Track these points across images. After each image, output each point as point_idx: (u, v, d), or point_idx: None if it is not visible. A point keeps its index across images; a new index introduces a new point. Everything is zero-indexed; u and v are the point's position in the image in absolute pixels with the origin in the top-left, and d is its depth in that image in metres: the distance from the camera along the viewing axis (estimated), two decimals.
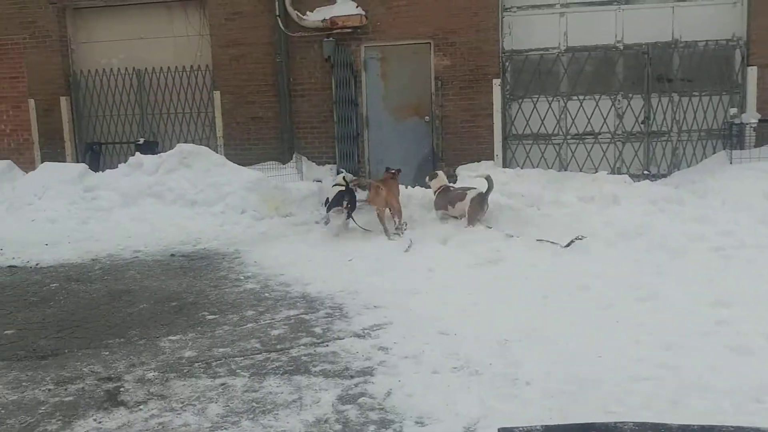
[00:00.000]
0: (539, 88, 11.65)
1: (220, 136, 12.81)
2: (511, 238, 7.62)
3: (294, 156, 12.39)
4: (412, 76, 12.03)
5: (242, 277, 7.06)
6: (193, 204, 9.94)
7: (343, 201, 8.41)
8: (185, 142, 12.60)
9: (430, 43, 11.83)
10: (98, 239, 8.94)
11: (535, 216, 8.43)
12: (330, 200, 8.63)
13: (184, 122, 13.18)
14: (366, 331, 5.28)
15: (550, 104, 11.62)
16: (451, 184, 9.23)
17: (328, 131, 12.38)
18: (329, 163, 12.42)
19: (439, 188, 8.92)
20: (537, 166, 11.55)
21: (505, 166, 11.80)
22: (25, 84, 13.28)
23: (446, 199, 8.71)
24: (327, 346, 5.01)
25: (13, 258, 8.23)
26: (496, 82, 11.63)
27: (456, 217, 8.53)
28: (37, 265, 7.89)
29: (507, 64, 11.73)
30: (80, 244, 8.72)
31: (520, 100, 11.72)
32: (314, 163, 12.44)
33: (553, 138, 11.70)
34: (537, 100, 11.60)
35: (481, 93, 11.71)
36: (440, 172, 9.31)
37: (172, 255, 8.12)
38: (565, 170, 11.44)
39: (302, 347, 4.99)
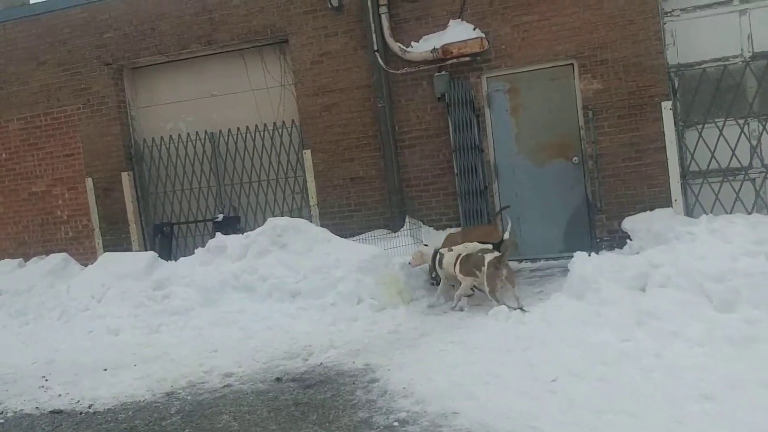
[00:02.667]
0: (723, 110, 8.87)
1: (313, 204, 10.45)
2: None
3: (407, 221, 9.88)
4: (551, 108, 9.46)
5: (396, 423, 4.44)
6: (294, 296, 7.48)
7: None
8: (273, 214, 10.36)
9: (572, 63, 9.27)
10: (173, 357, 6.52)
11: None
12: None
13: (269, 191, 10.89)
14: None
15: (742, 129, 8.80)
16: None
17: (447, 187, 9.86)
18: (451, 226, 9.85)
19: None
20: (731, 211, 8.69)
21: (687, 213, 8.99)
22: (81, 161, 11.29)
23: (471, 263, 7.05)
24: None
25: (60, 395, 5.86)
26: (666, 105, 8.92)
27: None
28: (90, 407, 5.49)
29: (676, 81, 9.03)
30: (150, 366, 6.31)
31: (700, 127, 8.94)
32: (432, 228, 9.90)
33: (749, 172, 8.84)
34: (723, 125, 8.80)
35: (647, 121, 9.01)
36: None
37: (278, 380, 5.61)
38: None
39: None
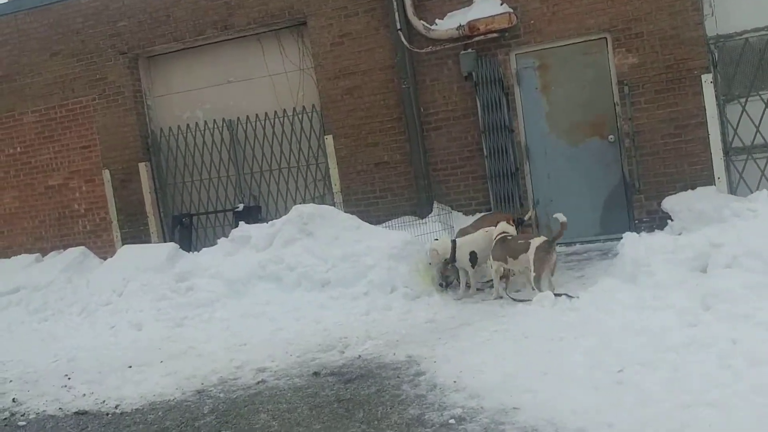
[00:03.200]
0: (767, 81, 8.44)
1: (337, 191, 10.08)
2: None
3: (434, 206, 9.51)
4: (584, 85, 9.04)
5: (452, 420, 4.09)
6: (323, 285, 7.14)
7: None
8: (294, 202, 9.98)
9: (606, 37, 8.85)
10: (200, 352, 6.19)
11: None
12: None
13: (290, 178, 10.54)
14: None
15: None
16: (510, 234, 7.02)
17: (476, 170, 9.47)
18: (481, 211, 9.46)
19: (498, 235, 6.94)
20: None
21: (731, 191, 8.57)
22: (98, 153, 10.97)
23: (506, 249, 6.75)
24: None
25: (84, 395, 5.55)
26: (706, 78, 8.48)
27: (512, 274, 6.96)
28: (116, 408, 5.17)
29: (716, 53, 8.58)
30: (177, 362, 5.98)
31: (743, 100, 8.50)
32: (461, 213, 9.51)
33: None
34: None
35: (686, 96, 8.57)
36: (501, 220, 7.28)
37: (316, 374, 5.26)
38: None
39: None
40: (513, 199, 9.18)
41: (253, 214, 10.33)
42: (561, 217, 6.61)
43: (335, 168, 10.08)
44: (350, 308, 6.78)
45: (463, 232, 7.55)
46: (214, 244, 8.72)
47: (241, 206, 10.48)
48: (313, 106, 10.22)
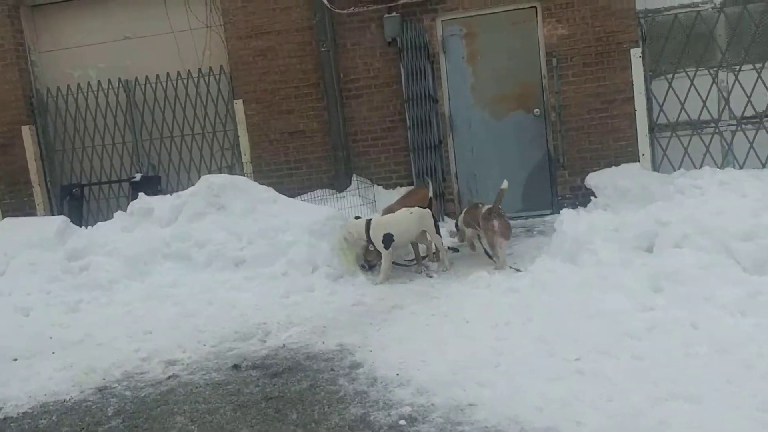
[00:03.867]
0: (694, 58, 8.34)
1: (246, 161, 9.35)
2: None
3: (354, 179, 8.96)
4: (512, 56, 8.68)
5: (402, 422, 3.59)
6: (237, 265, 6.48)
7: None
8: (198, 173, 9.22)
9: (535, 6, 8.52)
10: (100, 340, 5.40)
11: None
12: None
13: (194, 147, 9.69)
14: None
15: (714, 79, 8.30)
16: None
17: (398, 141, 8.98)
18: (402, 184, 9.01)
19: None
20: (700, 166, 8.22)
21: (654, 168, 8.47)
22: None
23: (473, 216, 6.68)
24: None
25: None
26: (635, 52, 8.31)
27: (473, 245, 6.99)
28: None
29: (645, 28, 8.41)
30: (72, 353, 5.18)
31: (670, 76, 8.38)
32: (381, 187, 9.02)
33: (720, 124, 8.37)
34: (694, 75, 8.27)
35: (615, 70, 8.38)
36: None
37: (236, 367, 4.64)
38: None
39: None
40: (436, 173, 8.76)
41: (152, 185, 9.45)
42: (504, 183, 6.58)
43: (245, 136, 9.34)
44: (268, 290, 6.16)
45: (388, 210, 7.03)
46: (108, 218, 7.87)
47: (138, 176, 9.57)
48: (222, 67, 9.40)
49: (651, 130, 8.46)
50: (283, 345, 4.97)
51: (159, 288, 6.22)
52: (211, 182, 6.92)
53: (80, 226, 8.48)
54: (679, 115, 8.38)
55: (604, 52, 8.37)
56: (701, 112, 8.31)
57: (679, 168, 8.25)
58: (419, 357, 4.40)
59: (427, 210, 6.59)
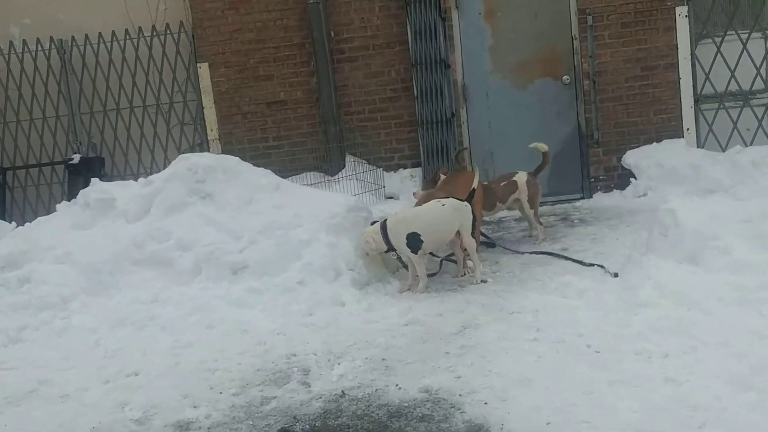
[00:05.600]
0: (748, 19, 7.23)
1: (214, 138, 7.74)
2: None
3: (348, 160, 7.49)
4: (538, 13, 7.40)
5: None
6: (237, 272, 4.92)
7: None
8: (152, 153, 7.63)
9: None
10: (64, 390, 3.71)
11: None
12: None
13: (146, 121, 7.98)
14: None
15: None
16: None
17: (402, 114, 7.59)
18: (406, 166, 7.60)
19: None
20: (752, 143, 7.16)
21: (699, 145, 7.36)
22: None
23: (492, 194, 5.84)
24: None
25: None
26: (681, 11, 7.15)
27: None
28: None
29: None
30: (21, 412, 3.55)
31: (719, 39, 7.24)
32: (381, 169, 7.58)
33: None
34: (748, 38, 7.16)
35: (657, 31, 7.21)
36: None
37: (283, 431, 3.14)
38: None
39: None
40: (447, 152, 7.39)
41: (93, 169, 7.80)
42: (543, 146, 6.05)
43: (212, 108, 7.75)
44: (284, 305, 4.64)
45: (426, 198, 5.51)
46: (39, 210, 6.22)
47: (76, 158, 7.92)
48: (181, 24, 7.72)
49: (695, 101, 7.31)
50: (342, 392, 3.48)
51: (133, 306, 4.59)
52: (193, 163, 5.30)
53: (3, 219, 6.82)
54: (728, 85, 7.26)
55: (646, 10, 7.19)
56: (754, 81, 7.21)
57: (727, 146, 7.18)
58: (574, 415, 3.00)
59: (465, 203, 5.11)
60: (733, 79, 7.23)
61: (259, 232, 5.07)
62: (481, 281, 5.10)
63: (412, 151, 7.56)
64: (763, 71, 7.21)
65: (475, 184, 5.18)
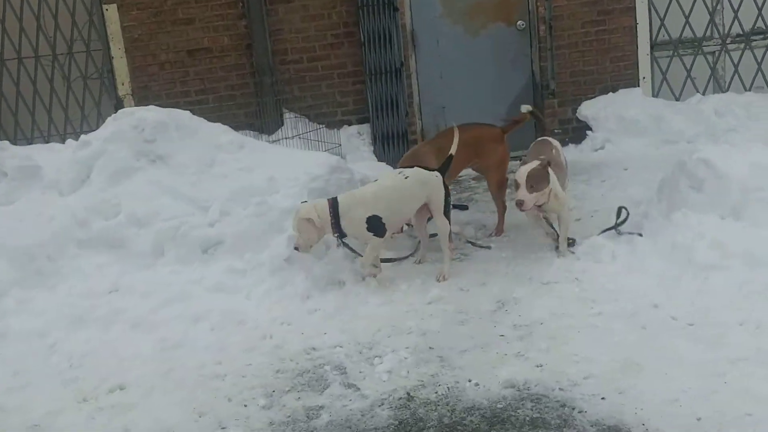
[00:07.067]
0: None
1: (125, 93, 6.63)
2: None
3: (285, 116, 6.65)
4: None
5: None
6: (208, 251, 4.08)
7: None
8: (47, 113, 6.53)
9: None
10: (26, 418, 2.83)
11: None
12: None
13: (39, 76, 6.70)
14: None
15: None
16: None
17: (345, 64, 6.79)
18: (350, 123, 6.87)
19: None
20: (705, 92, 7.01)
21: (654, 94, 7.11)
22: None
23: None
24: None
25: None
26: None
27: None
28: None
29: None
30: None
31: None
32: (324, 126, 6.77)
33: (728, 42, 7.11)
34: None
35: None
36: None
37: None
38: None
39: None
40: (397, 107, 6.71)
41: None
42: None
43: (122, 58, 6.62)
44: (275, 288, 3.88)
45: (411, 157, 4.70)
46: None
47: None
48: None
49: (651, 48, 7.04)
50: (408, 395, 2.81)
51: (89, 299, 3.67)
52: (138, 119, 4.32)
53: None
54: (682, 31, 7.02)
55: None
56: (708, 27, 7.01)
57: (681, 94, 6.99)
58: (724, 404, 2.49)
59: (436, 174, 4.19)
60: (687, 25, 7.00)
61: (229, 200, 4.21)
62: (484, 246, 4.53)
63: (358, 105, 6.80)
64: (716, 17, 7.02)
65: (453, 150, 4.29)
